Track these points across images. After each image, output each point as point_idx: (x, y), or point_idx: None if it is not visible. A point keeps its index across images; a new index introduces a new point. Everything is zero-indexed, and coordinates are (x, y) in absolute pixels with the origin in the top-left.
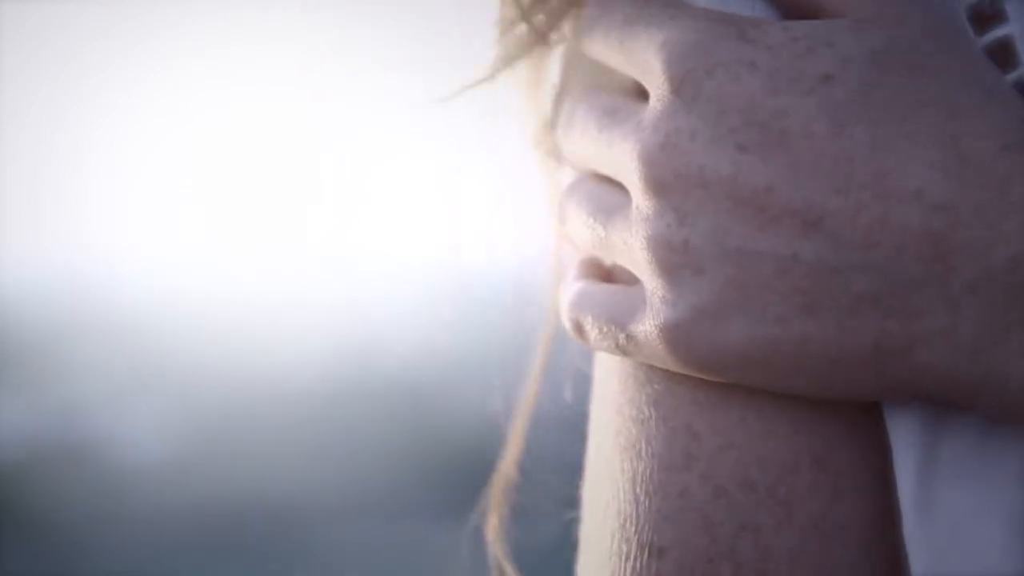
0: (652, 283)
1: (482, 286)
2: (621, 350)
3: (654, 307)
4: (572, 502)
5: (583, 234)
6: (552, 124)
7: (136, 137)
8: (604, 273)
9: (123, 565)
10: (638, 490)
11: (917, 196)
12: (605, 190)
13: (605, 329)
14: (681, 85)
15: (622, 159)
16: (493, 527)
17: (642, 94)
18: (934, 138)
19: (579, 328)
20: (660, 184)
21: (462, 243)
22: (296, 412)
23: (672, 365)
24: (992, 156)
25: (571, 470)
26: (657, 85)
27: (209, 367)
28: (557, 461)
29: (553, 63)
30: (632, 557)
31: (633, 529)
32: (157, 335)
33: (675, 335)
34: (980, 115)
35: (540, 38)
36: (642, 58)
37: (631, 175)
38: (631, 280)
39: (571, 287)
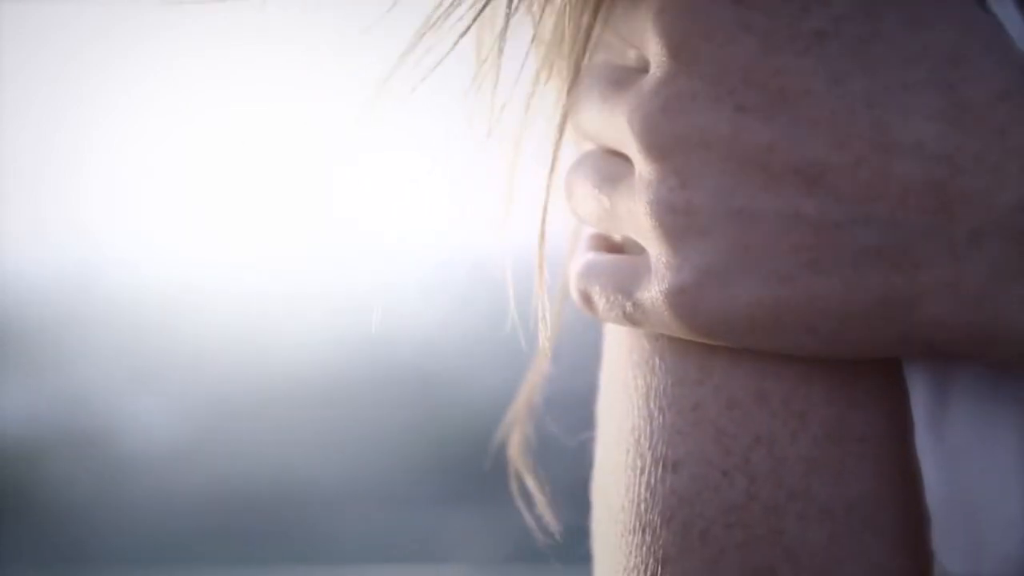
0: (656, 248)
1: (493, 273)
2: (629, 319)
3: (659, 273)
4: (580, 485)
5: (590, 207)
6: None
7: (139, 131)
8: (613, 247)
9: (130, 553)
10: (652, 405)
11: (917, 147)
12: (610, 161)
13: (612, 298)
14: (679, 50)
15: (624, 126)
16: (515, 444)
17: (647, 66)
18: (932, 89)
19: (587, 299)
20: (662, 148)
21: (472, 229)
22: (304, 399)
23: (679, 331)
24: (991, 104)
25: (580, 455)
26: (656, 52)
27: (217, 355)
28: (565, 445)
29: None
30: (646, 471)
31: (647, 444)
32: (164, 323)
33: (681, 299)
34: (978, 64)
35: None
36: (641, 27)
37: (633, 141)
38: (639, 252)
39: (579, 259)
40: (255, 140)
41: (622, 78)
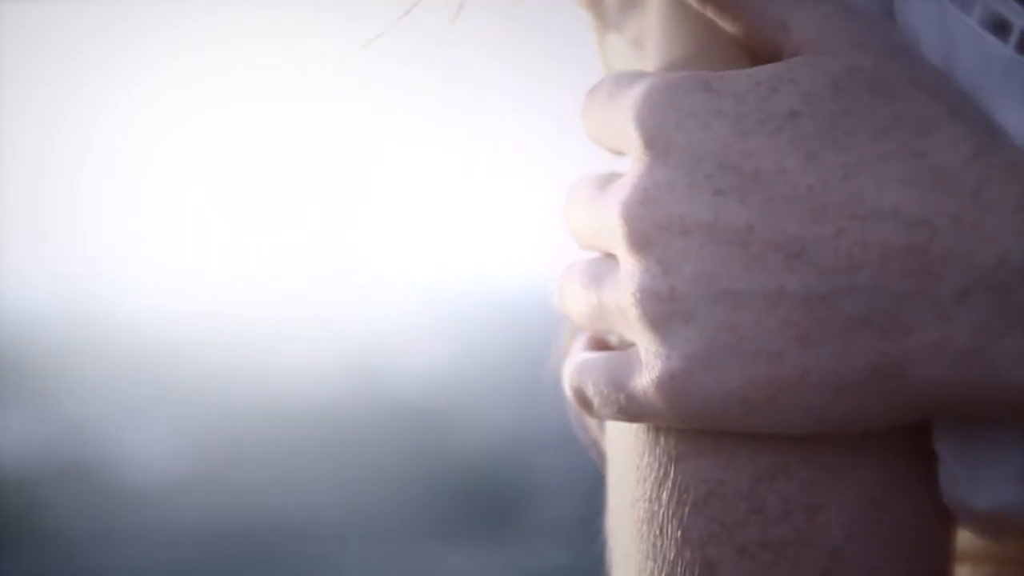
0: (644, 338)
1: (498, 309)
2: (623, 413)
3: (648, 363)
4: (585, 523)
5: (580, 308)
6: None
7: (138, 141)
8: (608, 348)
9: None
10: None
11: (894, 213)
12: (597, 262)
13: (606, 392)
14: (653, 141)
15: (608, 223)
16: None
17: None
18: (904, 156)
19: (581, 397)
20: (643, 238)
21: (478, 265)
22: (306, 432)
23: (674, 420)
24: (962, 166)
25: (583, 493)
26: (632, 145)
27: (219, 386)
28: (569, 484)
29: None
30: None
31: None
32: (167, 353)
33: (671, 387)
34: (946, 129)
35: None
36: (619, 124)
37: (616, 236)
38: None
39: (573, 359)
40: (263, 163)
41: (608, 179)
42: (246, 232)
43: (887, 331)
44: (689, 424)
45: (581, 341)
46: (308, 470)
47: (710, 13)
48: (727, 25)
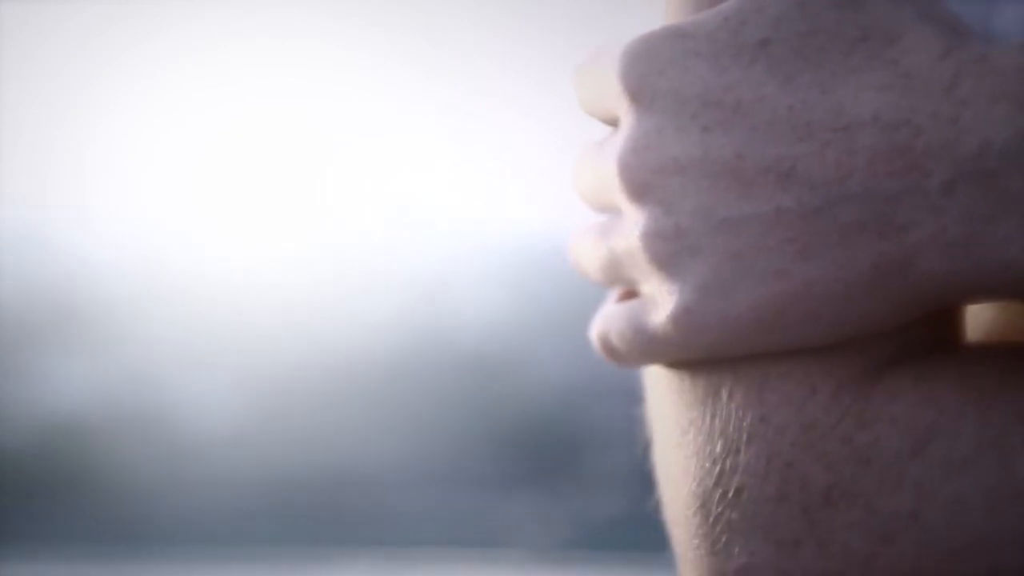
0: (656, 279)
1: (556, 260)
2: (647, 356)
3: (663, 300)
4: (640, 473)
5: (593, 263)
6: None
7: (185, 116)
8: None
9: (191, 530)
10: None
11: (874, 119)
12: (604, 220)
13: (628, 336)
14: (638, 92)
15: (607, 178)
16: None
17: None
18: (877, 65)
19: (607, 345)
20: (641, 185)
21: (537, 216)
22: (364, 380)
23: (692, 353)
24: (933, 66)
25: (635, 444)
26: (620, 101)
27: (279, 338)
28: (627, 434)
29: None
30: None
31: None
32: (228, 304)
33: (687, 319)
34: (914, 33)
35: None
36: (606, 87)
37: (616, 188)
38: None
39: (600, 312)
40: (318, 121)
41: (605, 141)
42: (304, 183)
43: (883, 232)
44: (707, 355)
45: (612, 296)
46: (367, 419)
47: None
48: None
